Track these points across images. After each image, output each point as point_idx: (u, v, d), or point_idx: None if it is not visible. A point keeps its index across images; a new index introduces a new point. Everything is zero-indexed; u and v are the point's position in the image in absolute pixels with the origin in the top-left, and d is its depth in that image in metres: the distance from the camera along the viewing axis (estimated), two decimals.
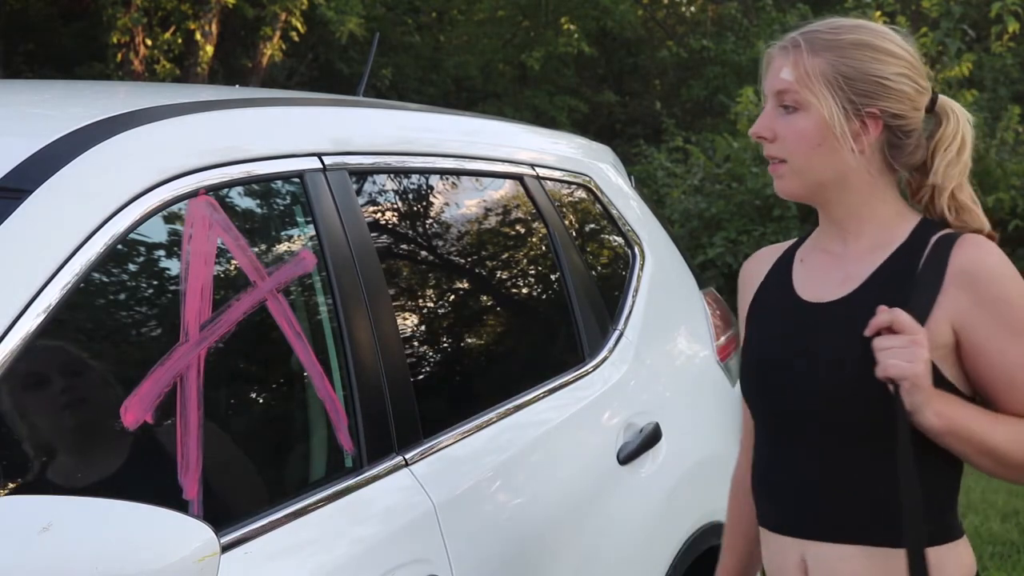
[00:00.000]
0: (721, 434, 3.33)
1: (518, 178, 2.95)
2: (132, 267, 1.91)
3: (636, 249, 3.30)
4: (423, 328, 2.58)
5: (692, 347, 3.41)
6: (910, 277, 1.91)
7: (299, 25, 12.75)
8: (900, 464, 1.84)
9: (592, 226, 3.31)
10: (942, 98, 2.01)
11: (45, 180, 1.78)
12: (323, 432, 2.13)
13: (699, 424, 3.21)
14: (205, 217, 1.98)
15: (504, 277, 3.02)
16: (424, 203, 2.73)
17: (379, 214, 2.52)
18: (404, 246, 2.65)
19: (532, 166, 3.01)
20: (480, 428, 2.46)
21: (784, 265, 2.10)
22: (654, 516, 2.88)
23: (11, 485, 1.65)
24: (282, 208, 2.25)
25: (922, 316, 1.86)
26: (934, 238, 1.93)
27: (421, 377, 2.47)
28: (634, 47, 17.13)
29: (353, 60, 14.90)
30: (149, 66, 12.34)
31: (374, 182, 2.52)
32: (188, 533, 1.56)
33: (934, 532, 1.90)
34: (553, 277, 3.00)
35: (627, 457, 2.81)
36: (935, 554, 1.88)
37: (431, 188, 2.74)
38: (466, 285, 2.84)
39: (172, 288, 1.94)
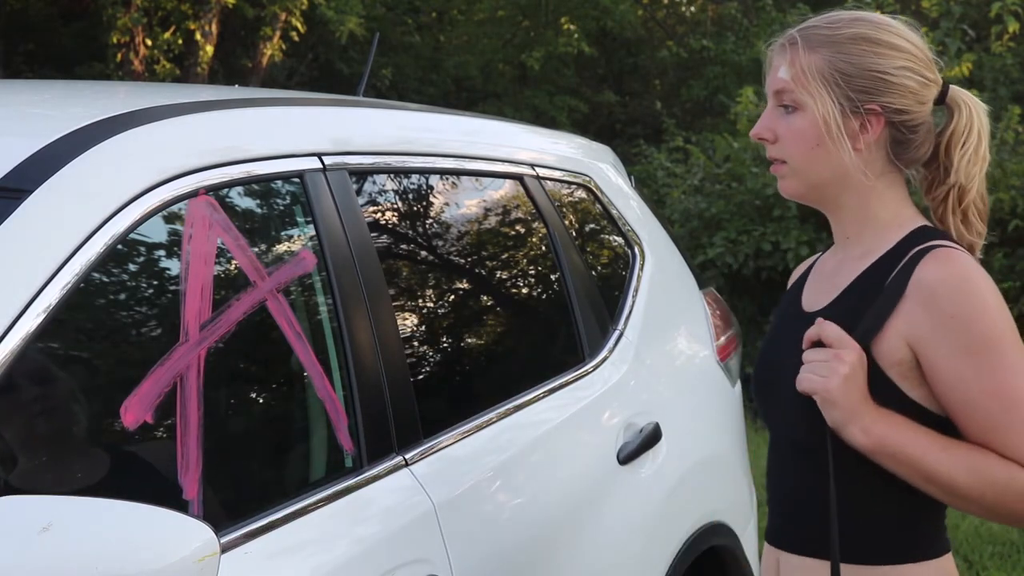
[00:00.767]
0: (721, 434, 3.33)
1: (518, 178, 2.95)
2: (132, 267, 1.91)
3: (636, 249, 3.30)
4: (423, 328, 2.58)
5: (692, 347, 3.41)
6: (872, 290, 1.86)
7: (299, 25, 12.75)
8: (833, 479, 1.82)
9: (592, 226, 3.31)
10: (953, 89, 1.93)
11: (45, 180, 1.78)
12: (323, 432, 2.13)
13: (699, 424, 3.21)
14: (205, 217, 1.98)
15: (504, 277, 3.02)
16: (424, 203, 2.73)
17: (379, 214, 2.52)
18: (404, 246, 2.65)
19: (532, 166, 3.01)
20: (480, 428, 2.46)
21: (806, 274, 2.07)
22: (654, 516, 2.88)
23: (11, 485, 1.65)
24: (282, 208, 2.25)
25: (871, 330, 1.82)
26: (915, 249, 1.84)
27: (421, 377, 2.47)
28: (634, 47, 17.12)
29: (353, 60, 14.90)
30: (149, 66, 12.33)
31: (374, 182, 2.52)
32: (188, 533, 1.56)
33: (901, 549, 1.86)
34: (553, 277, 3.00)
35: (627, 457, 2.81)
36: (902, 571, 1.84)
37: (431, 188, 2.74)
38: (466, 285, 2.84)
39: (172, 288, 1.94)
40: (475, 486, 2.38)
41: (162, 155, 1.98)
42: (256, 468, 2.09)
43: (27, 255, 1.72)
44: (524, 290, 3.08)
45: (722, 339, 3.45)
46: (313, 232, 2.22)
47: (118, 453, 1.83)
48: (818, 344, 1.85)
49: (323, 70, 15.32)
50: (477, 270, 2.90)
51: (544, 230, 2.97)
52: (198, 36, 12.36)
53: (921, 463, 1.79)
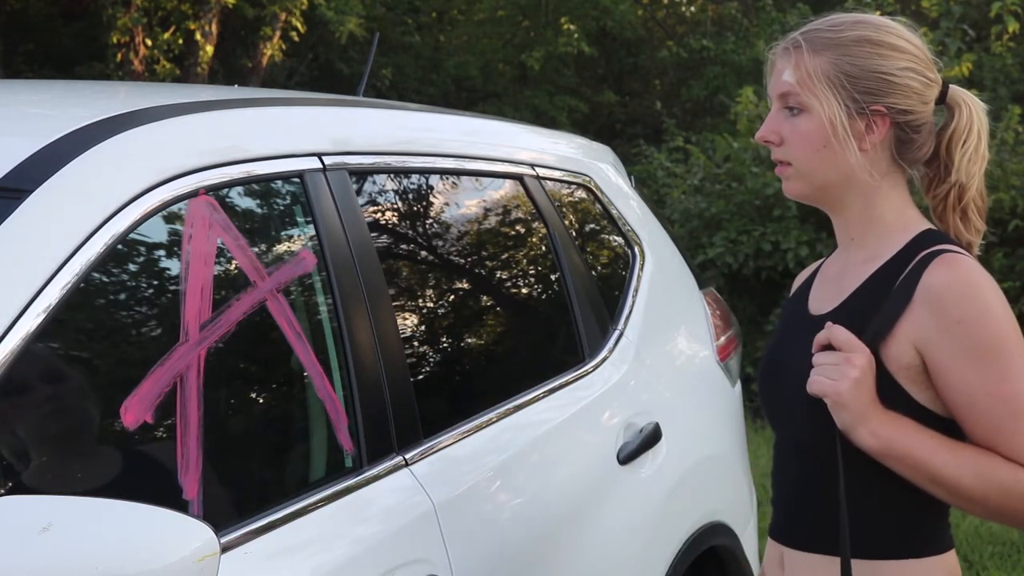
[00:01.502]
0: (721, 434, 3.33)
1: (518, 178, 2.95)
2: (132, 267, 1.91)
3: (636, 249, 3.30)
4: (423, 328, 2.58)
5: (692, 347, 3.41)
6: (881, 294, 1.87)
7: (299, 25, 12.74)
8: (842, 479, 1.85)
9: (592, 226, 3.31)
10: (953, 88, 1.96)
11: (45, 180, 1.78)
12: (323, 432, 2.13)
13: (699, 424, 3.21)
14: (205, 217, 1.98)
15: (504, 277, 3.02)
16: (424, 203, 2.73)
17: (379, 214, 2.52)
18: (404, 246, 2.65)
19: (532, 166, 3.01)
20: (480, 428, 2.46)
21: (812, 277, 2.08)
22: (654, 516, 2.88)
23: (11, 485, 1.65)
24: (282, 208, 2.25)
25: (880, 334, 1.83)
26: (922, 253, 1.86)
27: (421, 377, 2.47)
28: (634, 47, 17.12)
29: (353, 60, 14.89)
30: (149, 66, 12.33)
31: (374, 182, 2.52)
32: (188, 533, 1.56)
33: (907, 544, 1.88)
34: (553, 277, 3.00)
35: (627, 457, 2.81)
36: (905, 567, 1.87)
37: (431, 188, 2.74)
38: (466, 285, 2.84)
39: (172, 288, 1.94)
40: (475, 486, 2.38)
41: (162, 155, 1.98)
42: (256, 468, 2.09)
43: (27, 255, 1.71)
44: (524, 290, 3.08)
45: (722, 339, 3.45)
46: (313, 232, 2.22)
47: (118, 453, 1.83)
48: (828, 347, 1.86)
49: (323, 70, 15.32)
50: (477, 270, 2.90)
51: (544, 230, 2.97)
52: (198, 36, 12.35)
53: (927, 465, 1.81)
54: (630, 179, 3.58)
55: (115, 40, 11.98)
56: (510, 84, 16.35)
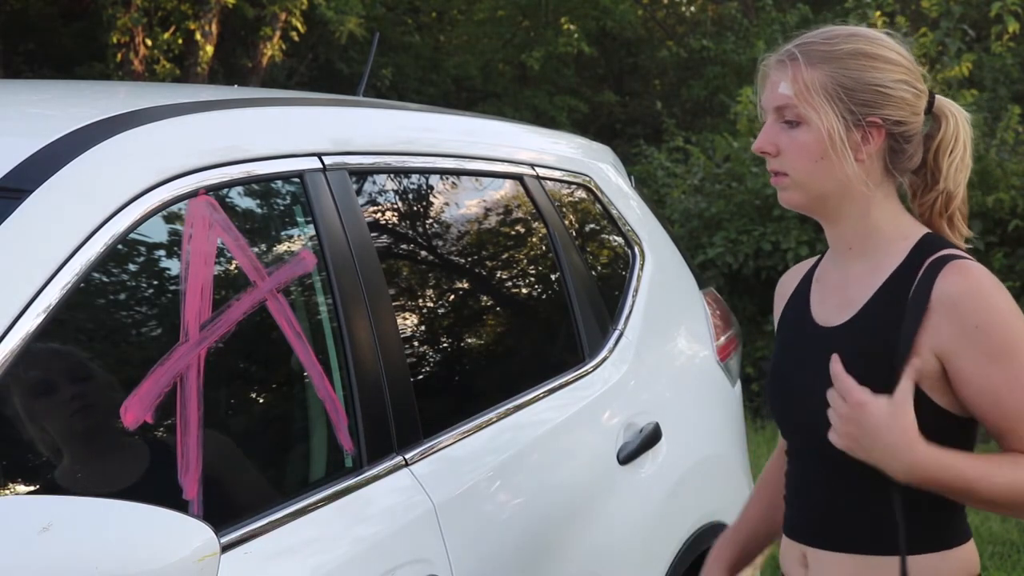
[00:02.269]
0: (721, 434, 3.33)
1: (518, 178, 2.95)
2: (132, 267, 1.91)
3: (636, 249, 3.30)
4: (423, 328, 2.58)
5: (692, 347, 3.41)
6: (902, 304, 1.91)
7: (299, 25, 12.74)
8: (895, 491, 1.89)
9: (592, 226, 3.31)
10: (939, 99, 2.00)
11: (45, 180, 1.78)
12: (323, 432, 2.13)
13: (699, 424, 3.21)
14: (205, 217, 1.98)
15: (504, 277, 3.02)
16: (424, 203, 2.73)
17: (379, 214, 2.52)
18: (404, 246, 2.65)
19: (532, 166, 3.01)
20: (480, 428, 2.46)
21: (805, 284, 2.11)
22: (654, 516, 2.88)
23: (11, 485, 1.65)
24: (282, 208, 2.25)
25: (905, 354, 1.87)
26: (927, 261, 1.92)
27: (421, 377, 2.47)
28: (634, 47, 17.12)
29: (353, 60, 14.89)
30: (149, 66, 12.33)
31: (374, 182, 2.52)
32: (188, 533, 1.56)
33: (932, 539, 1.94)
34: (553, 277, 3.00)
35: (627, 457, 2.81)
36: (932, 560, 1.92)
37: (431, 188, 2.74)
38: (466, 285, 2.84)
39: (172, 288, 1.94)
40: (475, 486, 2.38)
41: (162, 155, 1.98)
42: (256, 468, 2.09)
43: (27, 255, 1.71)
44: (524, 290, 3.08)
45: (722, 339, 3.45)
46: (313, 232, 2.22)
47: (118, 453, 1.83)
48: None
49: (323, 70, 15.32)
50: (477, 270, 2.90)
51: (544, 230, 2.97)
52: (198, 36, 12.35)
53: (966, 492, 1.87)
54: (630, 179, 3.58)
55: (115, 40, 11.98)
56: (510, 84, 16.35)
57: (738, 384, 3.52)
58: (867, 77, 1.92)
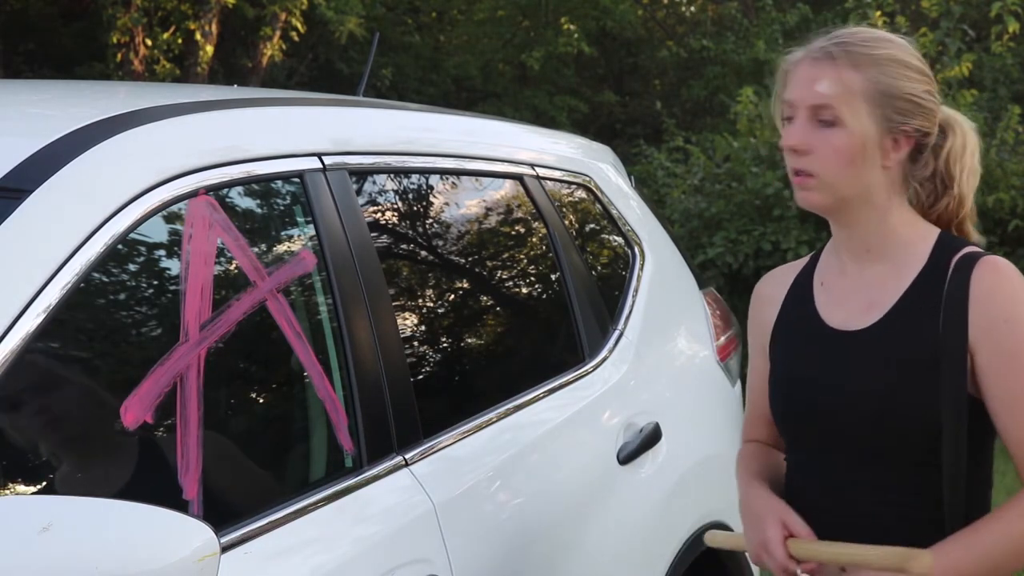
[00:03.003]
0: (721, 434, 3.33)
1: (518, 178, 2.95)
2: (132, 267, 1.91)
3: (636, 249, 3.30)
4: (423, 328, 2.58)
5: (692, 347, 3.41)
6: (936, 303, 1.91)
7: (299, 25, 12.74)
8: (947, 489, 1.90)
9: (592, 226, 3.31)
10: (945, 110, 2.02)
11: (45, 180, 1.78)
12: (323, 432, 2.13)
13: (699, 424, 3.21)
14: (205, 217, 1.98)
15: (504, 277, 3.02)
16: (424, 203, 2.73)
17: (379, 214, 2.52)
18: (404, 246, 2.65)
19: (532, 166, 3.01)
20: (480, 428, 2.46)
21: (803, 288, 2.09)
22: (654, 516, 2.88)
23: (11, 485, 1.65)
24: (282, 208, 2.25)
25: (960, 344, 1.88)
26: (954, 260, 1.93)
27: (421, 377, 2.47)
28: (634, 47, 17.12)
29: (353, 60, 14.89)
30: (149, 66, 12.33)
31: (374, 182, 2.52)
32: (188, 533, 1.56)
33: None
34: (553, 277, 3.00)
35: (627, 457, 2.81)
36: None
37: (431, 188, 2.74)
38: (466, 285, 2.84)
39: (172, 288, 1.94)
40: (475, 486, 2.38)
41: (162, 155, 1.98)
42: (256, 468, 2.08)
43: (27, 255, 1.71)
44: (524, 290, 3.08)
45: (722, 339, 3.45)
46: (313, 232, 2.22)
47: (118, 453, 1.83)
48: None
49: (323, 70, 15.32)
50: (477, 270, 2.90)
51: (544, 230, 2.97)
52: (198, 36, 12.35)
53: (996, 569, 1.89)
54: (630, 179, 3.58)
55: (115, 40, 11.99)
56: (510, 84, 16.35)
57: (738, 384, 3.52)
58: (905, 86, 1.92)
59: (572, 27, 15.16)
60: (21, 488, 1.67)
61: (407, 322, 2.48)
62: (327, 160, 2.29)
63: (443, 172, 2.75)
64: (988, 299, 1.88)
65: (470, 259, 2.87)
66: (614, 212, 3.28)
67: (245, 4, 12.56)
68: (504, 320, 2.99)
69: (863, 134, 1.90)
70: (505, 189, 2.96)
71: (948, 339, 1.89)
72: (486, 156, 2.88)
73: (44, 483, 1.71)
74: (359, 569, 2.03)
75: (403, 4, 16.13)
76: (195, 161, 2.01)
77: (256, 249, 2.09)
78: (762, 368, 2.15)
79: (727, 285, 8.34)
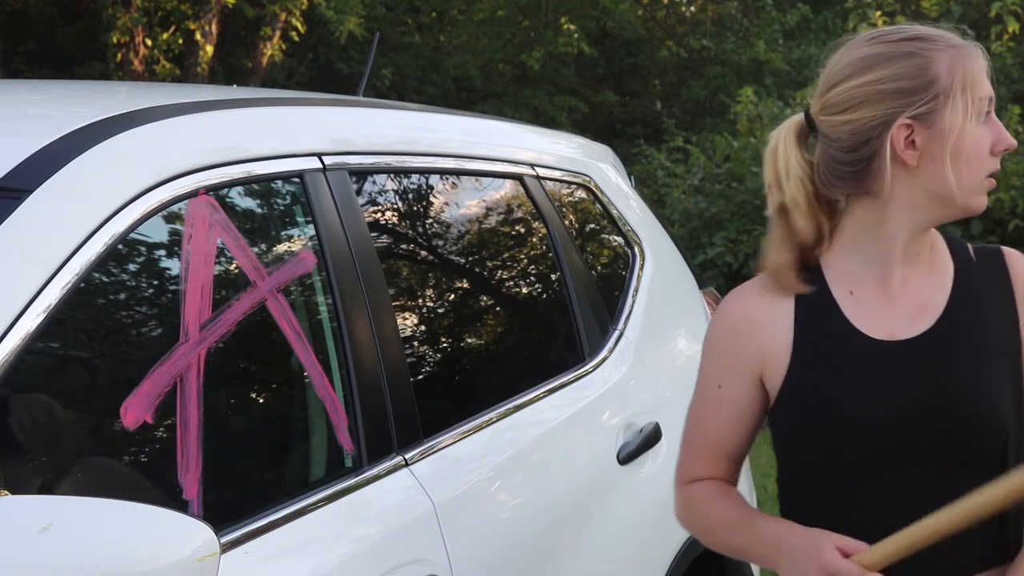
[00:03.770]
0: None
1: (518, 178, 2.95)
2: (132, 267, 1.91)
3: (636, 249, 3.30)
4: (423, 328, 2.58)
5: (692, 347, 3.40)
6: (980, 299, 1.91)
7: (299, 25, 12.74)
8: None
9: (592, 226, 3.31)
10: None
11: (45, 180, 1.78)
12: (323, 432, 2.13)
13: None
14: (205, 217, 1.98)
15: (504, 277, 3.02)
16: (424, 203, 2.73)
17: (379, 214, 2.52)
18: (404, 246, 2.65)
19: (532, 166, 3.01)
20: (480, 428, 2.46)
21: (818, 301, 1.93)
22: (654, 516, 2.88)
23: (11, 485, 1.65)
24: (282, 208, 2.25)
25: (1015, 329, 1.89)
26: (971, 253, 1.94)
27: (421, 377, 2.47)
28: (634, 47, 17.11)
29: (353, 60, 14.89)
30: (149, 66, 12.33)
31: (374, 182, 2.52)
32: (188, 533, 1.56)
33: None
34: (553, 277, 3.00)
35: (627, 457, 2.81)
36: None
37: (431, 188, 2.74)
38: (466, 285, 2.84)
39: (172, 288, 1.94)
40: (475, 486, 2.38)
41: (162, 155, 1.98)
42: (256, 468, 2.09)
43: (27, 255, 1.71)
44: (524, 290, 3.08)
45: None
46: (313, 232, 2.22)
47: (118, 453, 1.83)
48: None
49: (323, 70, 15.32)
50: (477, 270, 2.90)
51: (544, 230, 2.97)
52: (198, 36, 12.35)
53: None
54: (630, 179, 3.58)
55: (115, 40, 11.99)
56: (510, 84, 16.35)
57: None
58: None
59: (572, 27, 15.16)
60: (21, 488, 1.67)
61: (407, 322, 2.48)
62: (327, 160, 2.29)
63: (443, 172, 2.75)
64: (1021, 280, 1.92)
65: (470, 259, 2.87)
66: (614, 212, 3.28)
67: (245, 4, 12.56)
68: (504, 320, 2.99)
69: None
70: (505, 189, 2.96)
71: (1005, 327, 1.89)
72: (486, 156, 2.88)
73: (44, 483, 1.71)
74: (359, 569, 2.03)
75: (403, 4, 16.13)
76: (195, 161, 2.01)
77: (256, 249, 2.09)
78: (743, 401, 1.99)
79: (727, 285, 8.34)
